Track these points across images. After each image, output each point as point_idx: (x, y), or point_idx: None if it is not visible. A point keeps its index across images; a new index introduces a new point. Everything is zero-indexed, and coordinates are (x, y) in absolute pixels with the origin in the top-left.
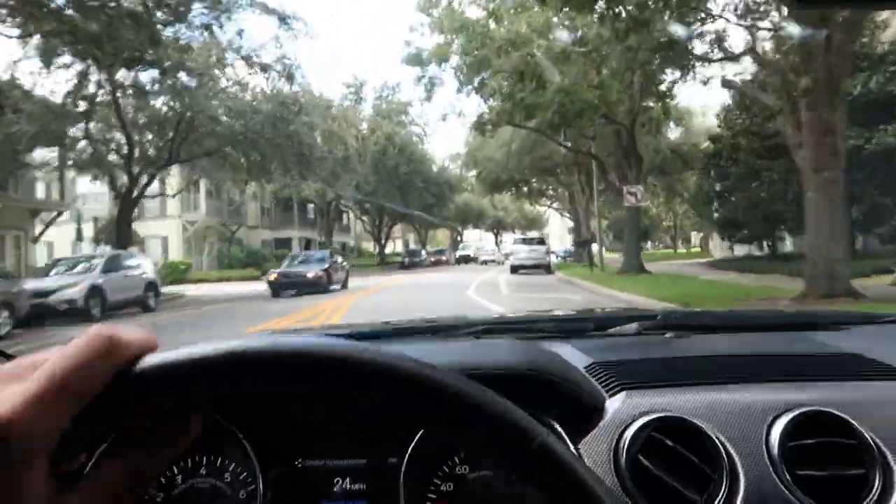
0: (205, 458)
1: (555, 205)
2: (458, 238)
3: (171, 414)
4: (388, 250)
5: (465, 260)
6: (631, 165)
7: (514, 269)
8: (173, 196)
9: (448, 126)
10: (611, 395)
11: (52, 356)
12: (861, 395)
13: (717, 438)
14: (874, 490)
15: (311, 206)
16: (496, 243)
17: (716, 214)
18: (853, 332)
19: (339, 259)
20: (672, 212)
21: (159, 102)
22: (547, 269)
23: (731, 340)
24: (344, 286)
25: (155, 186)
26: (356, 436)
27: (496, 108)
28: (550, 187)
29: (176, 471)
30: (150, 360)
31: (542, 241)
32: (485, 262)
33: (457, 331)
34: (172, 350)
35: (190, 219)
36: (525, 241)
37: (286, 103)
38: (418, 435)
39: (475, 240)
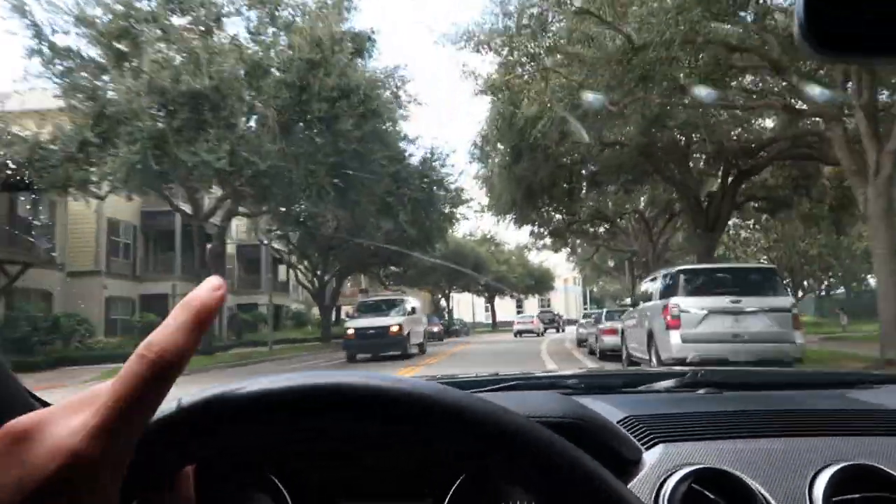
0: None
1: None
2: (442, 302)
3: (236, 449)
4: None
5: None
6: None
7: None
8: None
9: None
10: (647, 448)
11: (112, 383)
12: None
13: (759, 492)
14: None
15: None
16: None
17: None
18: (886, 390)
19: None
20: None
21: None
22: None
23: (765, 397)
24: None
25: None
26: (394, 488)
27: None
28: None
29: None
30: (214, 390)
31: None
32: (519, 333)
33: (488, 385)
34: (241, 382)
35: None
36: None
37: None
38: (455, 486)
39: (463, 301)
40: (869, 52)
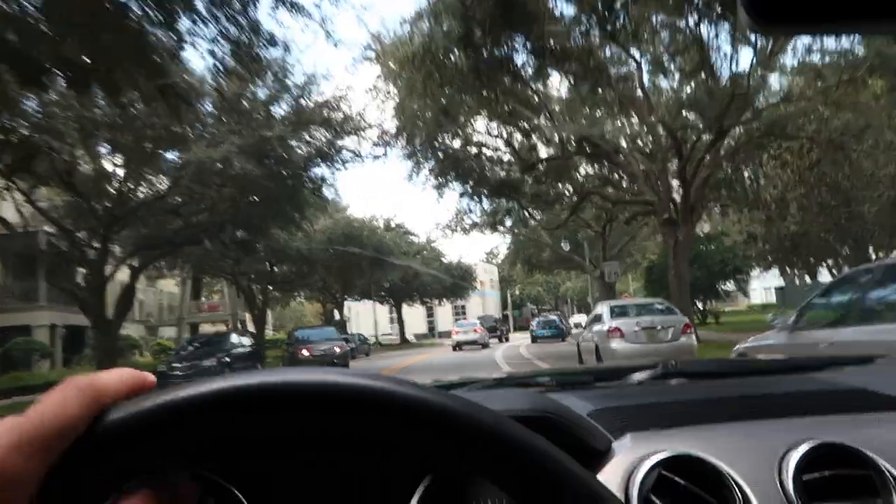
0: None
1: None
2: (335, 310)
3: (165, 464)
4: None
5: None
6: None
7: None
8: None
9: None
10: (617, 438)
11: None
12: (871, 427)
13: (730, 475)
14: None
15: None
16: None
17: None
18: (853, 371)
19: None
20: None
21: None
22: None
23: (734, 384)
24: None
25: None
26: (358, 494)
27: None
28: None
29: None
30: (131, 405)
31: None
32: (459, 346)
33: (461, 387)
34: (163, 393)
35: None
36: None
37: None
38: (421, 487)
39: (362, 312)
40: (812, 23)
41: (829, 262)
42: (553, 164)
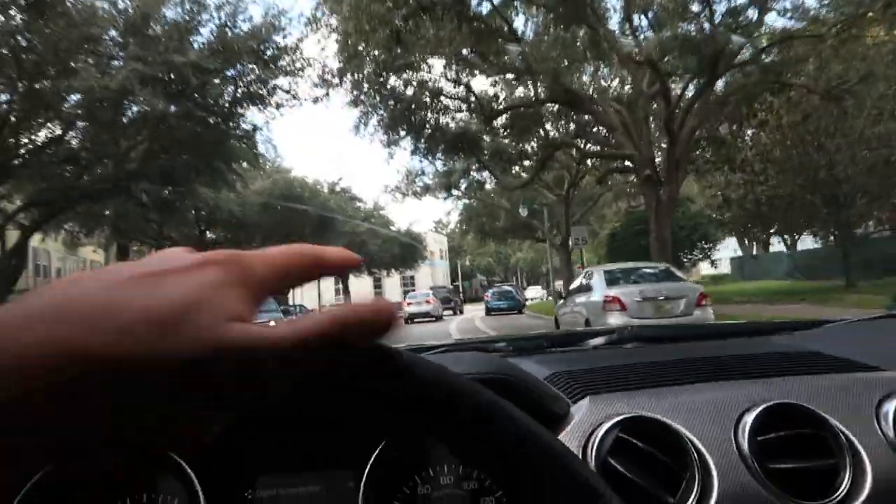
0: (144, 496)
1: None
2: None
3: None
4: None
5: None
6: None
7: None
8: None
9: None
10: (575, 402)
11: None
12: (824, 387)
13: (687, 437)
14: (846, 478)
15: None
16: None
17: None
18: (807, 334)
19: None
20: None
21: None
22: None
23: (692, 347)
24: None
25: None
26: (311, 461)
27: None
28: None
29: None
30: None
31: None
32: (411, 318)
33: (423, 351)
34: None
35: None
36: None
37: None
38: (375, 454)
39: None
40: None
41: (810, 229)
42: (519, 115)
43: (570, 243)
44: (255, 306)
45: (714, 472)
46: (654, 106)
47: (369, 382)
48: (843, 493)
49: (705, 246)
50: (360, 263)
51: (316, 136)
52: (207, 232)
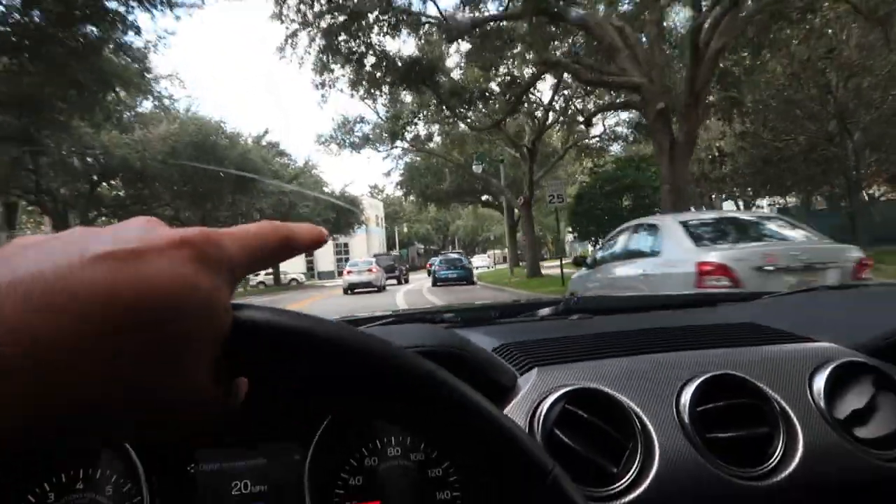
0: (82, 472)
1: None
2: None
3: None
4: None
5: None
6: None
7: None
8: None
9: None
10: (522, 373)
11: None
12: (761, 358)
13: (630, 407)
14: (780, 446)
15: None
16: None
17: None
18: (746, 306)
19: None
20: None
21: None
22: None
23: (636, 319)
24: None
25: None
26: (255, 433)
27: None
28: None
29: (48, 488)
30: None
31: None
32: (352, 288)
33: (368, 323)
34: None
35: None
36: None
37: None
38: (321, 427)
39: None
40: None
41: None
42: (492, 32)
43: (547, 203)
44: (232, 290)
45: (656, 442)
46: (666, 23)
47: (303, 365)
48: (776, 461)
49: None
50: (326, 239)
51: (237, 79)
52: (102, 185)
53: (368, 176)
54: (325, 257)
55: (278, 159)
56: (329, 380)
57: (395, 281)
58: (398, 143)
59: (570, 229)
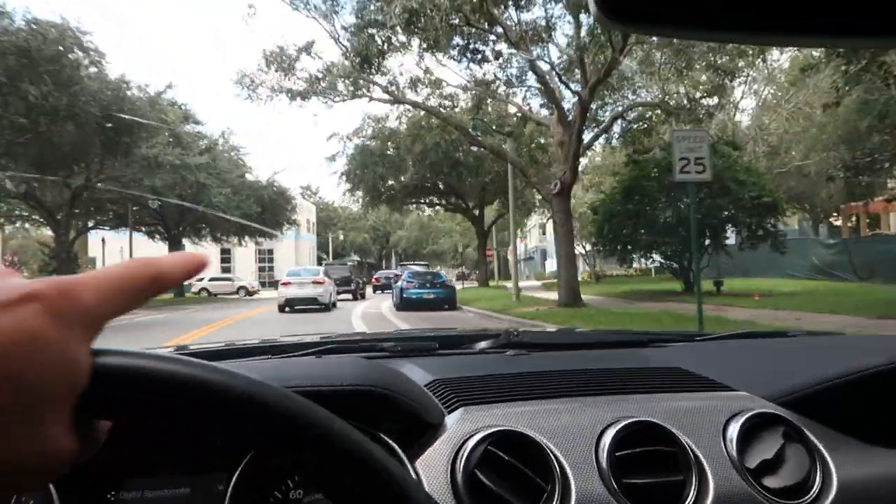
0: None
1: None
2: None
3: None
4: None
5: None
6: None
7: None
8: None
9: None
10: (450, 412)
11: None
12: (680, 406)
13: (551, 451)
14: (692, 493)
15: None
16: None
17: None
18: (675, 349)
19: None
20: None
21: None
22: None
23: (567, 358)
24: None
25: None
26: (178, 462)
27: None
28: None
29: None
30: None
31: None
32: (290, 305)
33: (297, 350)
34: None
35: None
36: None
37: None
38: (246, 459)
39: (121, 249)
40: (668, 25)
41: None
42: None
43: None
44: (89, 342)
45: (573, 486)
46: None
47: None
48: None
49: (766, 222)
50: (207, 264)
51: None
52: None
53: (301, 175)
54: (244, 263)
55: (187, 127)
56: (196, 422)
57: (349, 296)
58: (365, 89)
59: (594, 240)
